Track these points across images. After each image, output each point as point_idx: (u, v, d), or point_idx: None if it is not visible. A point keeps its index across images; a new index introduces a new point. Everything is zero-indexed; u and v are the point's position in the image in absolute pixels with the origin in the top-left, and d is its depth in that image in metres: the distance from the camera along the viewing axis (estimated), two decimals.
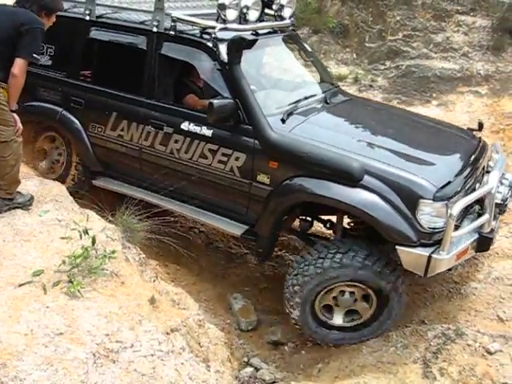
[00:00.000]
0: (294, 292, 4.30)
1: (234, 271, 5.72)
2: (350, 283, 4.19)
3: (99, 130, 5.29)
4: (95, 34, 5.27)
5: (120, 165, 5.36)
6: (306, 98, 4.94)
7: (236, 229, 4.71)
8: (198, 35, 4.71)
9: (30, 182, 4.69)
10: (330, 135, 4.48)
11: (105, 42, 5.22)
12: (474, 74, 9.27)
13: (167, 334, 3.37)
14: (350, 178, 4.06)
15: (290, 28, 5.55)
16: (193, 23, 4.75)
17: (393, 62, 9.74)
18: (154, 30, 4.86)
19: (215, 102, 4.33)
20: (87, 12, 5.23)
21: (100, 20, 5.25)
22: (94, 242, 3.60)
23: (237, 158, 4.52)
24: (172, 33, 4.79)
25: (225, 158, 4.58)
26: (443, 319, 4.29)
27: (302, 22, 10.47)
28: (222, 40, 4.59)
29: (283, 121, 4.51)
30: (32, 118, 5.47)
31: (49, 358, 2.84)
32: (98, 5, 5.28)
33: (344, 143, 4.37)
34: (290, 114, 4.58)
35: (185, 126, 4.76)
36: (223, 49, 4.56)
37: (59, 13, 4.54)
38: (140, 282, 3.72)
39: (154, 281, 4.03)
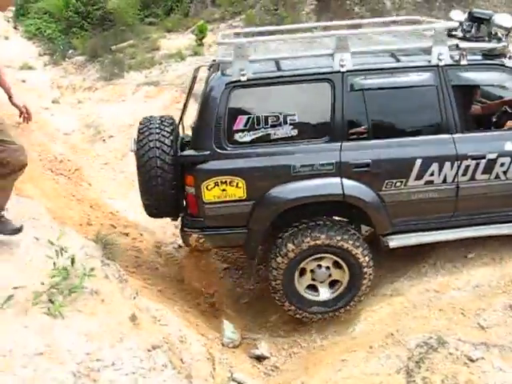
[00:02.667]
0: None
1: (214, 287, 5.70)
2: None
3: (398, 184, 4.72)
4: (358, 84, 4.68)
5: (424, 214, 4.89)
6: None
7: None
8: (491, 58, 4.85)
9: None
10: None
11: (373, 89, 4.70)
12: None
13: (149, 351, 3.34)
14: None
15: None
16: (482, 48, 4.89)
17: None
18: (441, 63, 4.69)
19: None
20: (343, 63, 4.59)
21: (359, 68, 4.67)
22: (73, 262, 3.55)
23: None
24: (464, 63, 4.73)
25: None
26: (425, 328, 4.29)
27: None
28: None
29: None
30: (301, 201, 4.72)
31: (28, 379, 2.79)
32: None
33: None
34: None
35: (509, 146, 4.78)
36: None
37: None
38: (120, 299, 3.69)
39: (135, 298, 4.00)
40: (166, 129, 4.89)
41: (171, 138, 4.85)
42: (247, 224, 4.73)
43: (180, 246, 6.34)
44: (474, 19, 5.22)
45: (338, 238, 4.72)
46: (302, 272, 4.90)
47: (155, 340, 3.54)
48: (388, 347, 4.20)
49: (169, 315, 4.40)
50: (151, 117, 5.13)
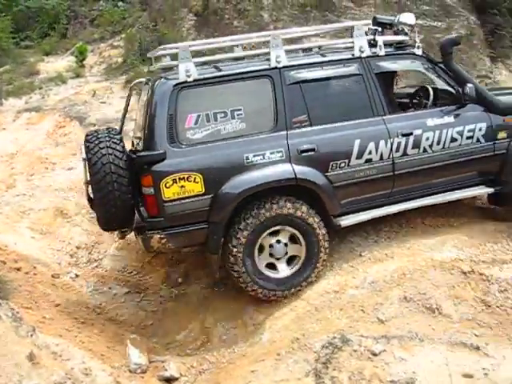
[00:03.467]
0: None
1: (116, 312, 5.55)
2: None
3: (342, 165, 5.21)
4: (294, 78, 5.22)
5: (364, 192, 5.38)
6: None
7: (486, 190, 5.83)
8: (406, 50, 5.75)
9: None
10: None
11: (308, 81, 5.26)
12: None
13: None
14: None
15: None
16: (395, 41, 5.77)
17: None
18: (363, 55, 5.43)
19: (471, 86, 5.54)
20: (279, 59, 5.15)
21: (293, 64, 5.25)
22: None
23: (480, 129, 5.67)
24: (382, 54, 5.52)
25: (471, 133, 5.65)
26: (328, 329, 4.40)
27: None
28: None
29: None
30: (259, 188, 4.96)
31: None
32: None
33: None
34: None
35: (431, 122, 5.53)
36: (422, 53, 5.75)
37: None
38: (15, 338, 3.50)
39: (32, 335, 3.80)
40: (116, 136, 5.09)
41: (121, 144, 5.04)
42: (207, 219, 4.90)
43: (77, 275, 6.13)
44: (378, 24, 5.86)
45: (296, 207, 5.06)
46: (261, 249, 5.09)
47: (57, 377, 3.40)
48: (295, 352, 4.26)
49: (70, 348, 4.23)
50: (97, 129, 5.41)
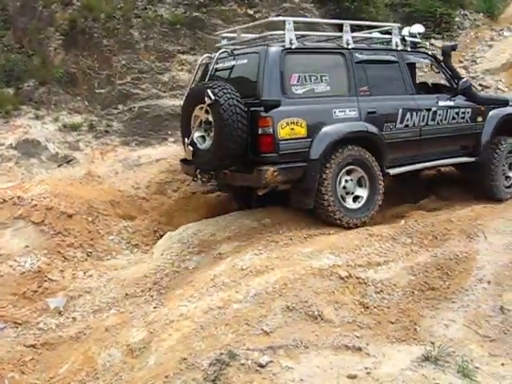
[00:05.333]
0: None
1: None
2: None
3: (391, 127, 7.01)
4: (358, 58, 6.96)
5: (402, 150, 7.19)
6: None
7: (469, 158, 7.94)
8: (419, 48, 8.14)
9: None
10: None
11: (367, 62, 7.01)
12: None
13: None
14: (507, 104, 8.36)
15: None
16: (414, 42, 7.89)
17: (125, 105, 9.91)
18: (398, 48, 7.49)
19: (465, 80, 7.99)
20: (349, 42, 6.95)
21: (357, 47, 7.10)
22: None
23: (468, 112, 7.91)
24: (409, 49, 7.64)
25: (463, 114, 7.87)
26: (215, 346, 4.37)
27: (26, 75, 10.07)
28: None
29: None
30: (345, 136, 6.52)
31: None
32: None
33: None
34: None
35: (441, 103, 7.65)
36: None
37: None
38: None
39: None
40: (232, 87, 6.13)
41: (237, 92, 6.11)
42: (307, 158, 6.24)
43: None
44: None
45: (362, 153, 6.65)
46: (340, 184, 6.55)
47: None
48: (183, 373, 4.18)
49: None
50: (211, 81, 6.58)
